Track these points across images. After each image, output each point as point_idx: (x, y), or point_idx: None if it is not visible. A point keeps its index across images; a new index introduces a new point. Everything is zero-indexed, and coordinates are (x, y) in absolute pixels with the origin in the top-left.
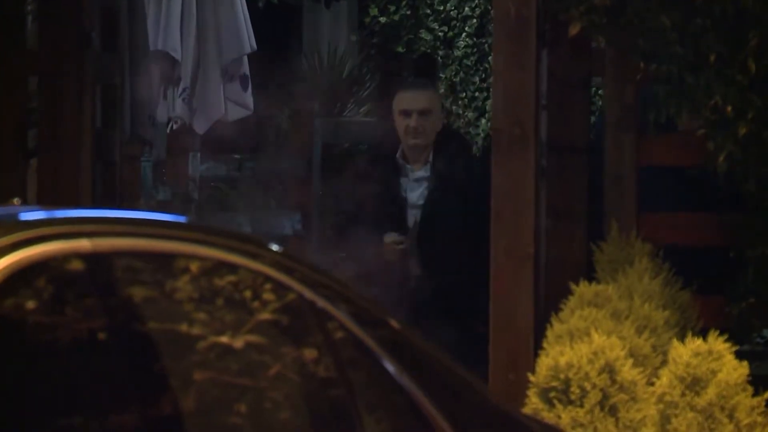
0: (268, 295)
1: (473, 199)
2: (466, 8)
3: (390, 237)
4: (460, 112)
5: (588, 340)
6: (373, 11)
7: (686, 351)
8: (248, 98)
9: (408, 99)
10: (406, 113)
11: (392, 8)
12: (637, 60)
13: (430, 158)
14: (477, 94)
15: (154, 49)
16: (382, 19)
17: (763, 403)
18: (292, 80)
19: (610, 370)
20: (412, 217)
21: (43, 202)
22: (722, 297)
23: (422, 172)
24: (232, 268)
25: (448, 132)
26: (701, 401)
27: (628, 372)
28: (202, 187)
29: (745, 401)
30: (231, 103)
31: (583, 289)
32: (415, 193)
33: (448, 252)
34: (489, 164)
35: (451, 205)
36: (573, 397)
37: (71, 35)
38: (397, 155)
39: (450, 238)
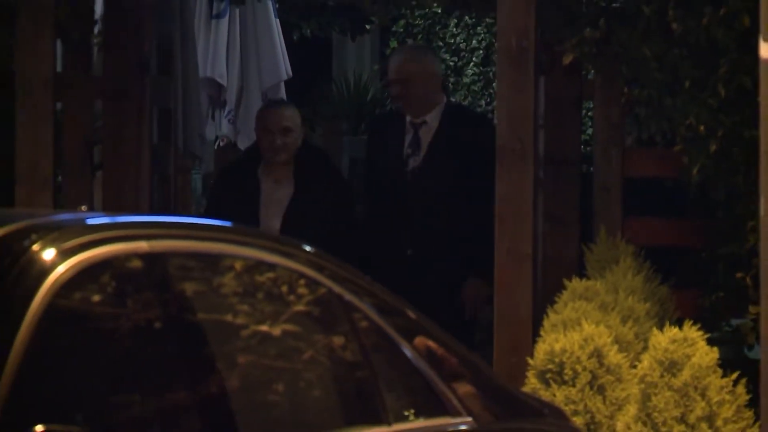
0: (302, 290)
1: (332, 214)
2: (474, 41)
3: None
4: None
5: (579, 329)
6: (393, 44)
7: (664, 338)
8: None
9: (270, 117)
10: (268, 131)
11: (409, 41)
12: (622, 85)
13: (292, 174)
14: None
15: (204, 76)
16: None
17: (731, 384)
18: (323, 103)
19: (598, 354)
20: (274, 227)
21: (106, 209)
22: (695, 291)
23: (285, 186)
24: (271, 266)
25: (308, 146)
26: (677, 382)
27: (614, 356)
28: None
29: (716, 382)
30: None
31: (575, 285)
32: (276, 207)
33: None
34: (345, 177)
35: (310, 217)
36: (566, 378)
37: (131, 63)
38: (259, 172)
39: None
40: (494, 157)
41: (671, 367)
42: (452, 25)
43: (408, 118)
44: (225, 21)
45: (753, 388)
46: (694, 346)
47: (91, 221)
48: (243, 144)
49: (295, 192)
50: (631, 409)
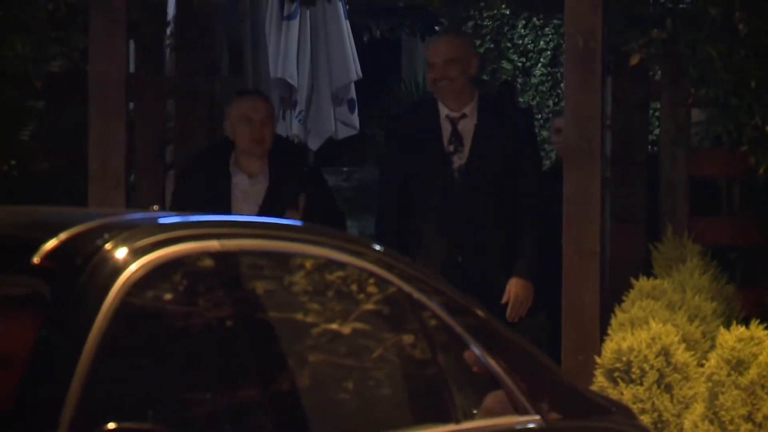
0: (371, 289)
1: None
2: (541, 42)
3: None
4: (536, 131)
5: (647, 328)
6: None
7: (731, 337)
8: (355, 119)
9: (250, 106)
10: (249, 120)
11: (477, 42)
12: (688, 85)
13: (267, 166)
14: (551, 116)
15: (275, 77)
16: None
17: None
18: (393, 103)
19: (665, 353)
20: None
21: None
22: (761, 290)
23: (260, 180)
24: (341, 265)
25: (280, 140)
26: (744, 380)
27: (681, 355)
28: None
29: None
30: (340, 123)
31: (642, 284)
32: (251, 203)
33: None
34: (321, 173)
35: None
36: (634, 376)
37: (202, 64)
38: (231, 162)
39: None
40: (537, 148)
41: (738, 365)
42: (520, 26)
43: (443, 113)
44: (296, 22)
45: None
46: (760, 345)
47: (162, 220)
48: (314, 144)
49: (270, 186)
50: (699, 408)
